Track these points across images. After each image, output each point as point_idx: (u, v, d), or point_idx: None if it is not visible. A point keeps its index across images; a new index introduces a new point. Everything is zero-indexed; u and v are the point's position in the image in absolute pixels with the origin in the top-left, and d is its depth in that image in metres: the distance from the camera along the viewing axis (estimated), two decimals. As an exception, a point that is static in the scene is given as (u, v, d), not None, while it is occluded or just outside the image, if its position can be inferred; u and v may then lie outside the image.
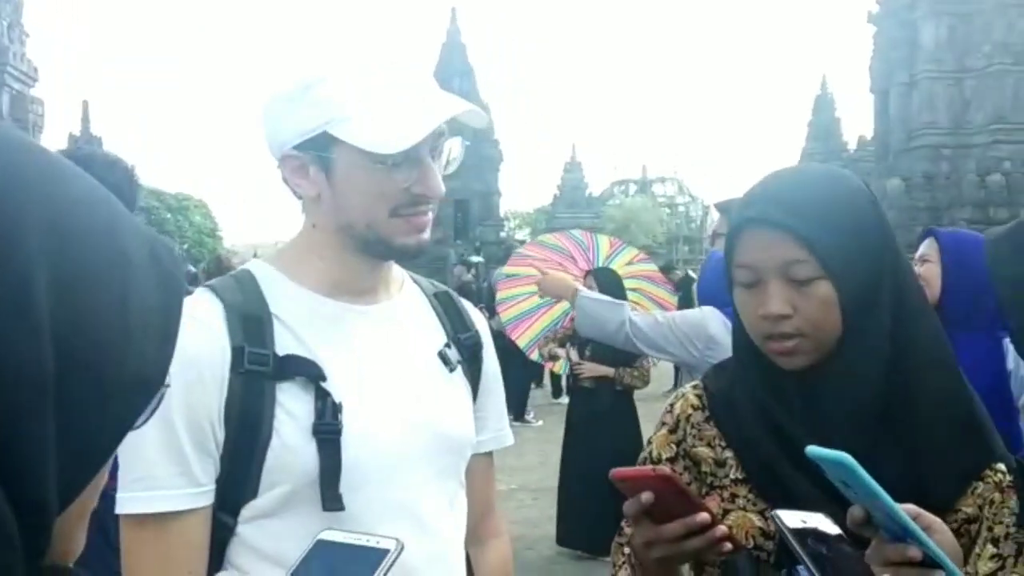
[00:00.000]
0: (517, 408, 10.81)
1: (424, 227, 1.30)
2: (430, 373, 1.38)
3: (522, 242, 32.30)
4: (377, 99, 1.22)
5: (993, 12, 27.01)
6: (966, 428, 1.25)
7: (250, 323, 1.25)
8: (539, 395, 11.19)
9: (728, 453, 1.33)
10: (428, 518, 1.32)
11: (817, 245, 1.19)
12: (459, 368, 1.43)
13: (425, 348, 1.40)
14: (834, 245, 1.19)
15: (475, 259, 14.76)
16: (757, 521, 1.27)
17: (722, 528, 1.12)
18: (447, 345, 1.42)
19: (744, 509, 1.29)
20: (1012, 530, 1.10)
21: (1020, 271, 0.67)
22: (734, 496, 1.31)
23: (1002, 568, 1.08)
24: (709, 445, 1.36)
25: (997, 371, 2.70)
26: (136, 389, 0.62)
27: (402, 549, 0.88)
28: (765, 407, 1.28)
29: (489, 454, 1.57)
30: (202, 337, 1.21)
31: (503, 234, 43.60)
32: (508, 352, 10.96)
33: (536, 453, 8.78)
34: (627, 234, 42.26)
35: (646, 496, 1.08)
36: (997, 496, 1.16)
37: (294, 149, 1.27)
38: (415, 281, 1.49)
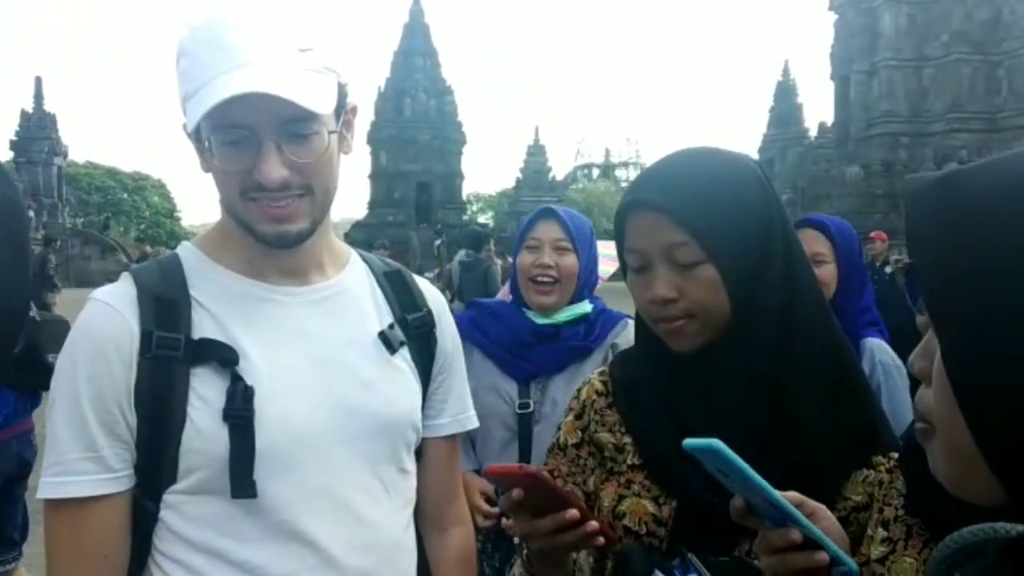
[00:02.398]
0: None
1: (283, 218, 1.23)
2: (365, 355, 1.34)
3: (484, 225, 32.19)
4: (213, 74, 1.17)
5: (951, 1, 27.43)
6: (851, 416, 1.25)
7: (164, 307, 1.23)
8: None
9: (627, 439, 1.33)
10: (356, 504, 1.29)
11: (698, 228, 1.18)
12: (404, 349, 1.38)
13: (362, 328, 1.36)
14: (715, 228, 1.19)
15: (465, 255, 11.38)
16: (650, 507, 1.27)
17: (593, 523, 1.14)
18: (391, 326, 1.38)
19: (638, 495, 1.29)
20: (901, 512, 1.08)
21: (951, 229, 0.68)
22: (630, 482, 1.31)
23: (893, 552, 1.07)
24: (610, 431, 1.36)
25: None
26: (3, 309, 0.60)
27: None
28: (662, 391, 1.28)
29: (451, 438, 1.51)
30: (110, 321, 1.20)
31: (465, 217, 43.51)
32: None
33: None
34: (589, 218, 42.38)
35: (516, 492, 1.12)
36: (886, 477, 1.16)
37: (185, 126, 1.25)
38: (365, 260, 1.45)
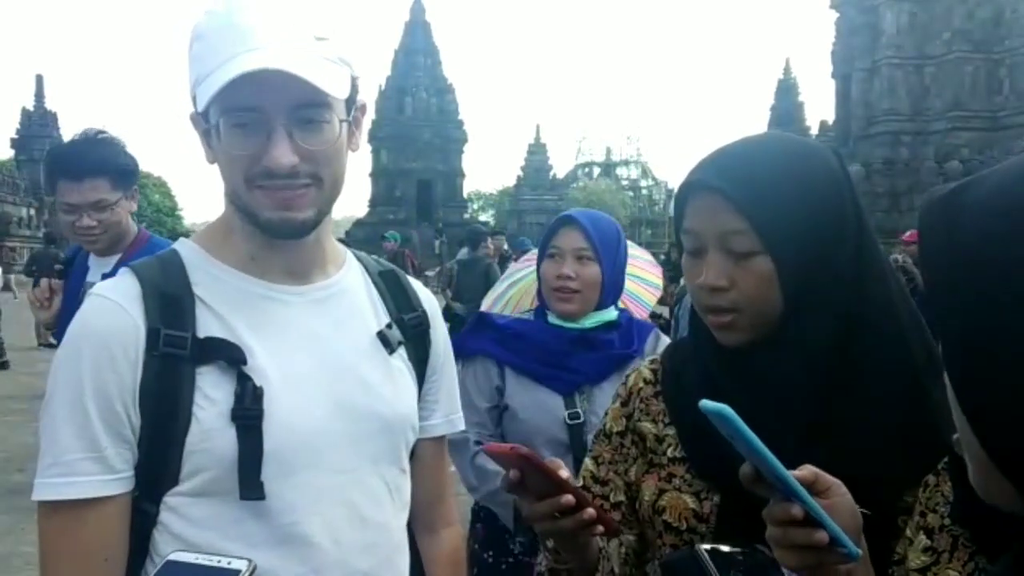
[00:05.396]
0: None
1: (290, 204, 1.21)
2: (366, 354, 1.33)
3: (485, 224, 32.25)
4: (225, 57, 1.15)
5: None
6: (913, 428, 1.17)
7: (169, 304, 1.21)
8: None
9: (670, 430, 1.30)
10: (363, 505, 1.28)
11: (756, 218, 1.13)
12: (401, 349, 1.38)
13: (362, 329, 1.35)
14: (776, 220, 1.13)
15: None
16: (691, 503, 1.24)
17: (590, 511, 1.12)
18: (388, 326, 1.37)
19: (679, 490, 1.25)
20: (947, 521, 1.03)
21: (944, 237, 0.68)
22: (671, 476, 1.27)
23: (936, 563, 1.03)
24: (653, 421, 1.33)
25: None
26: None
27: (254, 569, 0.89)
28: (712, 382, 1.23)
29: (440, 439, 1.50)
30: (115, 318, 1.18)
31: (466, 215, 43.48)
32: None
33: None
34: (590, 216, 42.33)
35: (513, 473, 1.10)
36: (932, 478, 1.10)
37: (195, 112, 1.22)
38: (359, 259, 1.44)
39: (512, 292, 3.55)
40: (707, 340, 1.25)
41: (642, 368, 1.40)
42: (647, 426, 1.34)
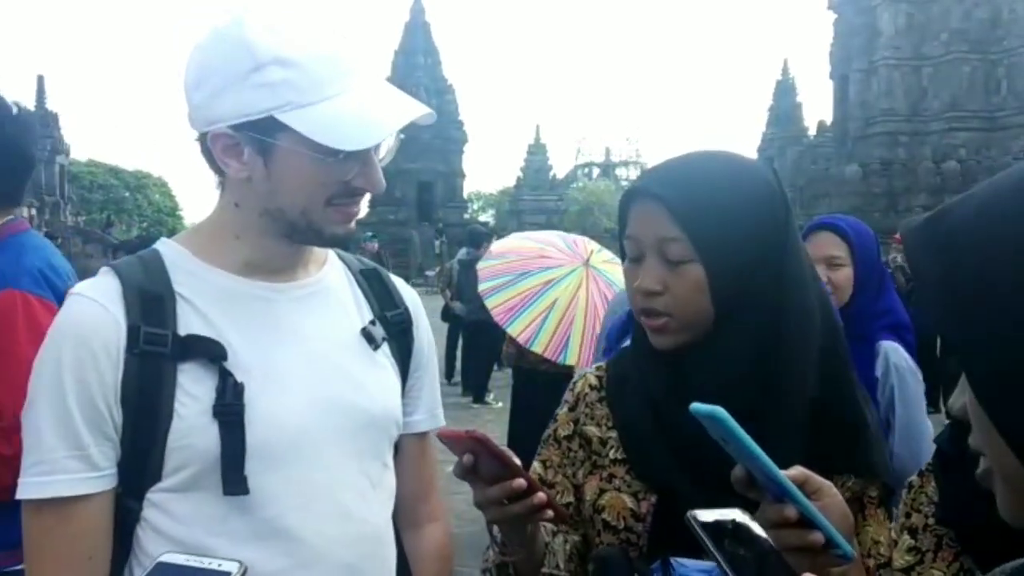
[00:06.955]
0: (477, 390, 10.77)
1: (355, 216, 1.29)
2: (350, 351, 1.34)
3: (485, 224, 32.14)
4: (333, 91, 1.18)
5: (950, 0, 27.38)
6: (822, 439, 1.21)
7: (149, 302, 1.22)
8: (500, 376, 11.20)
9: (612, 433, 1.34)
10: (348, 500, 1.29)
11: (690, 226, 1.20)
12: (385, 345, 1.39)
13: (346, 326, 1.36)
14: (709, 229, 1.20)
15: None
16: (629, 503, 1.28)
17: (540, 495, 1.13)
18: (372, 322, 1.39)
19: (619, 490, 1.30)
20: (931, 521, 1.06)
21: (948, 264, 0.65)
22: (612, 476, 1.32)
23: (920, 563, 1.06)
24: (598, 424, 1.37)
25: (868, 380, 2.50)
26: None
27: (245, 571, 0.89)
28: (648, 386, 1.30)
29: (424, 435, 1.50)
30: (96, 316, 1.19)
31: (466, 216, 43.44)
32: (471, 334, 10.82)
33: (494, 434, 8.70)
34: (590, 217, 42.38)
35: (467, 458, 1.13)
36: (915, 479, 1.12)
37: (229, 128, 1.21)
38: (341, 258, 1.45)
39: (553, 315, 3.44)
40: (645, 346, 1.31)
41: (588, 374, 1.44)
42: (592, 430, 1.38)
